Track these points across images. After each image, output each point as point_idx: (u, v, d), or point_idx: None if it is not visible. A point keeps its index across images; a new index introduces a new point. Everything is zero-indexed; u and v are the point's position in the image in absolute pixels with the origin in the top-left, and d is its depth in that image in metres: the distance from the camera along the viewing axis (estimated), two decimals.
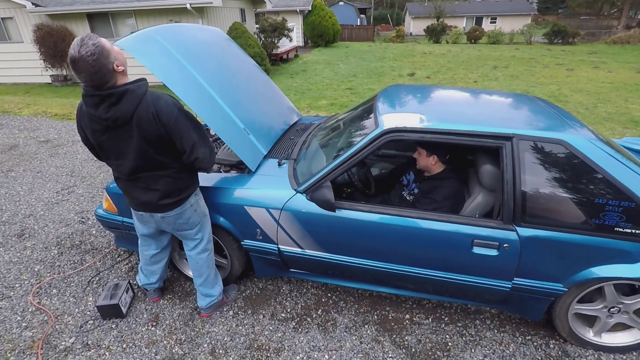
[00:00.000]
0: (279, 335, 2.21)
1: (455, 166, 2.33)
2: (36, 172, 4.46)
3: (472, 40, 22.86)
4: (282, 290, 2.55)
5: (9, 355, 2.08)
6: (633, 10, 32.32)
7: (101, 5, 9.58)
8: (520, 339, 2.18)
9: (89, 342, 2.16)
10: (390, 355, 2.08)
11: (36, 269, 2.77)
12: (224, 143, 2.64)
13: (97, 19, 10.09)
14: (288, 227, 2.14)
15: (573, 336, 2.08)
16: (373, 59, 14.62)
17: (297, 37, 17.14)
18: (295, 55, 15.63)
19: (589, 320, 2.10)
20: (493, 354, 2.09)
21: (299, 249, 2.19)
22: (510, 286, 1.96)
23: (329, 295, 2.51)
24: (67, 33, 9.98)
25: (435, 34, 23.99)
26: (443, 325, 2.28)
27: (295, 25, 15.53)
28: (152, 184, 1.87)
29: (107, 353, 2.10)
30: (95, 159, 2.02)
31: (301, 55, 16.00)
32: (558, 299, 1.97)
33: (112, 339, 2.18)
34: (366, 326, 2.27)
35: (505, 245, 1.86)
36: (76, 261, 2.85)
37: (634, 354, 2.07)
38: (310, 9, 18.84)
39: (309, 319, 2.32)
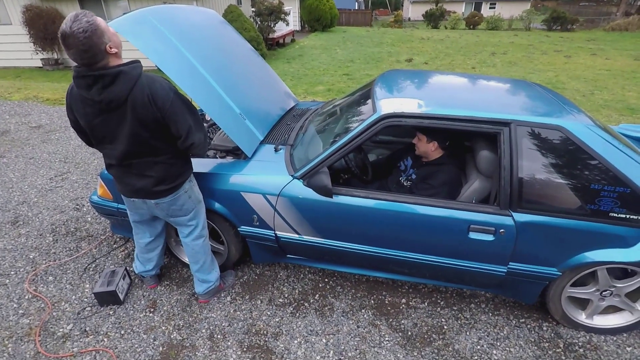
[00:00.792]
0: (277, 320, 2.23)
1: (452, 152, 2.33)
2: (28, 158, 4.40)
3: (471, 26, 22.62)
4: (279, 276, 2.56)
5: (6, 342, 2.09)
6: None
7: None
8: (514, 322, 2.21)
9: (87, 329, 2.17)
10: (386, 339, 2.11)
11: (31, 257, 2.76)
12: (220, 128, 2.61)
13: (89, 1, 9.84)
14: (285, 213, 2.13)
15: (566, 319, 2.12)
16: (371, 44, 14.45)
17: (293, 21, 16.84)
18: (291, 40, 15.40)
19: (582, 303, 2.13)
20: (487, 336, 2.12)
21: (296, 235, 2.19)
22: (505, 270, 1.98)
23: (326, 280, 2.53)
24: (57, 15, 9.71)
25: (433, 19, 23.70)
26: (439, 309, 2.31)
27: (292, 9, 15.25)
28: (146, 170, 1.83)
29: (105, 339, 2.11)
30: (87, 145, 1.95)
31: (298, 39, 15.77)
32: (552, 282, 1.99)
33: (110, 326, 2.19)
34: (363, 310, 2.29)
35: (501, 230, 1.88)
36: (72, 248, 2.84)
37: (624, 335, 2.11)
38: None
39: (306, 304, 2.34)
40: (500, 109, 1.96)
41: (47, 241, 2.92)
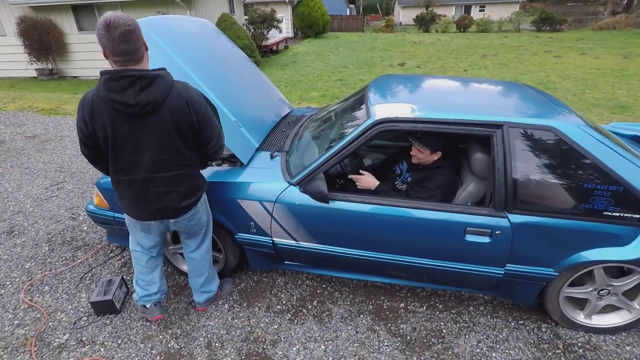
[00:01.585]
0: (275, 327, 2.22)
1: (447, 155, 2.34)
2: (24, 168, 4.38)
3: (462, 29, 22.84)
4: (277, 283, 2.55)
5: (1, 353, 2.06)
6: None
7: None
8: (513, 324, 2.22)
9: (84, 339, 2.15)
10: (385, 344, 2.10)
11: (27, 266, 2.73)
12: None
13: (82, 11, 9.84)
14: (282, 219, 2.13)
15: (564, 319, 2.12)
16: (363, 49, 14.54)
17: (286, 28, 16.95)
18: (285, 47, 15.47)
19: (580, 303, 2.14)
20: (487, 339, 2.12)
21: (293, 241, 2.19)
22: (502, 272, 1.98)
23: (324, 286, 2.52)
24: (51, 26, 9.71)
25: (424, 23, 23.91)
26: (437, 312, 2.31)
27: (285, 16, 15.34)
28: (173, 185, 1.74)
29: (102, 349, 2.09)
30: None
31: (291, 46, 15.85)
32: (549, 283, 2.00)
33: (107, 335, 2.17)
34: (361, 316, 2.29)
35: (497, 232, 1.89)
36: (68, 257, 2.82)
37: (623, 334, 2.12)
38: None
39: (304, 310, 2.33)
40: (492, 112, 1.98)
41: (43, 251, 2.90)
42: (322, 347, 2.09)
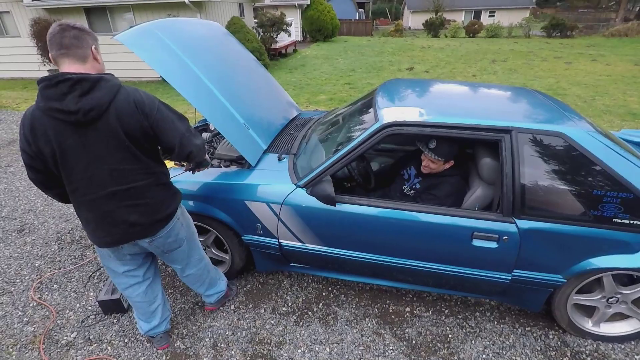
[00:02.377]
0: (281, 329, 2.22)
1: (457, 161, 2.33)
2: None
3: (471, 34, 22.76)
4: (283, 285, 2.56)
5: (11, 350, 2.09)
6: (631, 3, 32.20)
7: (99, 0, 9.50)
8: (519, 330, 2.20)
9: (91, 337, 2.17)
10: (391, 348, 2.10)
11: (37, 265, 2.77)
12: (224, 138, 2.64)
13: (95, 13, 10.01)
14: (288, 221, 2.14)
15: (572, 327, 2.10)
16: (372, 53, 14.56)
17: (295, 31, 17.03)
18: (293, 50, 15.55)
19: (588, 311, 2.12)
20: (493, 345, 2.11)
21: (300, 243, 2.20)
22: (509, 278, 1.97)
23: (330, 289, 2.52)
24: None
25: (433, 28, 23.88)
26: (443, 317, 2.30)
27: (294, 20, 15.42)
28: (139, 197, 1.56)
29: (109, 347, 2.11)
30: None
31: (300, 50, 15.93)
32: (557, 290, 1.98)
33: (114, 334, 2.19)
34: (367, 319, 2.28)
35: (504, 237, 1.88)
36: (77, 256, 2.86)
37: (632, 343, 2.09)
38: (308, 3, 18.72)
39: (310, 313, 2.33)
40: (501, 117, 1.97)
41: (53, 249, 2.94)
42: (327, 349, 2.09)
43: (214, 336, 2.18)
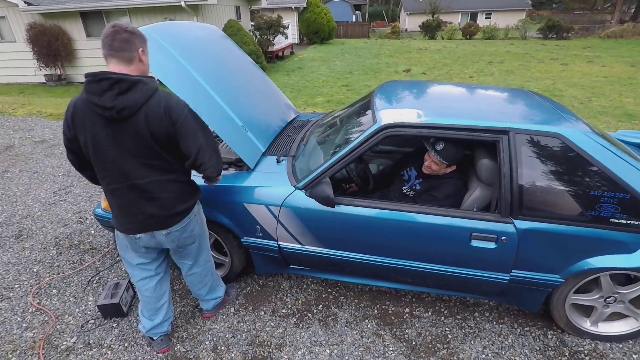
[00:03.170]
0: (280, 331, 2.22)
1: (457, 166, 2.34)
2: (32, 172, 4.44)
3: (467, 36, 22.87)
4: (282, 287, 2.56)
5: (10, 356, 2.08)
6: (626, 5, 32.48)
7: (95, 4, 9.51)
8: (518, 330, 2.20)
9: (91, 342, 2.17)
10: (391, 349, 2.10)
11: (35, 270, 2.76)
12: (222, 141, 2.64)
13: (91, 18, 10.03)
14: (287, 223, 2.15)
15: (570, 326, 2.11)
16: (369, 55, 14.61)
17: (292, 34, 17.08)
18: (290, 53, 15.59)
19: (586, 311, 2.13)
20: (492, 345, 2.11)
21: (299, 245, 2.20)
22: (508, 278, 1.98)
23: (329, 290, 2.53)
24: (60, 32, 9.90)
25: (430, 30, 23.97)
26: (442, 318, 2.30)
27: (291, 22, 15.46)
28: (159, 191, 1.67)
29: (109, 352, 2.10)
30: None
31: (297, 52, 15.97)
32: (555, 290, 1.99)
33: (114, 338, 2.19)
34: (367, 320, 2.29)
35: (503, 237, 1.89)
36: (75, 261, 2.85)
37: (630, 342, 2.10)
38: (305, 5, 18.79)
39: (309, 315, 2.34)
40: (498, 118, 1.98)
41: (51, 254, 2.93)
42: (327, 351, 2.09)
43: (214, 339, 2.18)
